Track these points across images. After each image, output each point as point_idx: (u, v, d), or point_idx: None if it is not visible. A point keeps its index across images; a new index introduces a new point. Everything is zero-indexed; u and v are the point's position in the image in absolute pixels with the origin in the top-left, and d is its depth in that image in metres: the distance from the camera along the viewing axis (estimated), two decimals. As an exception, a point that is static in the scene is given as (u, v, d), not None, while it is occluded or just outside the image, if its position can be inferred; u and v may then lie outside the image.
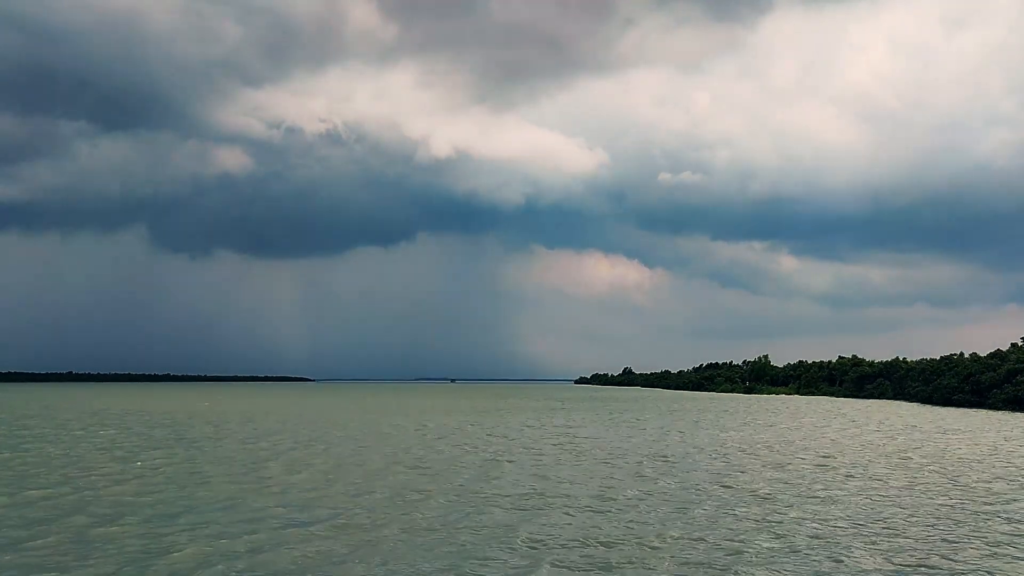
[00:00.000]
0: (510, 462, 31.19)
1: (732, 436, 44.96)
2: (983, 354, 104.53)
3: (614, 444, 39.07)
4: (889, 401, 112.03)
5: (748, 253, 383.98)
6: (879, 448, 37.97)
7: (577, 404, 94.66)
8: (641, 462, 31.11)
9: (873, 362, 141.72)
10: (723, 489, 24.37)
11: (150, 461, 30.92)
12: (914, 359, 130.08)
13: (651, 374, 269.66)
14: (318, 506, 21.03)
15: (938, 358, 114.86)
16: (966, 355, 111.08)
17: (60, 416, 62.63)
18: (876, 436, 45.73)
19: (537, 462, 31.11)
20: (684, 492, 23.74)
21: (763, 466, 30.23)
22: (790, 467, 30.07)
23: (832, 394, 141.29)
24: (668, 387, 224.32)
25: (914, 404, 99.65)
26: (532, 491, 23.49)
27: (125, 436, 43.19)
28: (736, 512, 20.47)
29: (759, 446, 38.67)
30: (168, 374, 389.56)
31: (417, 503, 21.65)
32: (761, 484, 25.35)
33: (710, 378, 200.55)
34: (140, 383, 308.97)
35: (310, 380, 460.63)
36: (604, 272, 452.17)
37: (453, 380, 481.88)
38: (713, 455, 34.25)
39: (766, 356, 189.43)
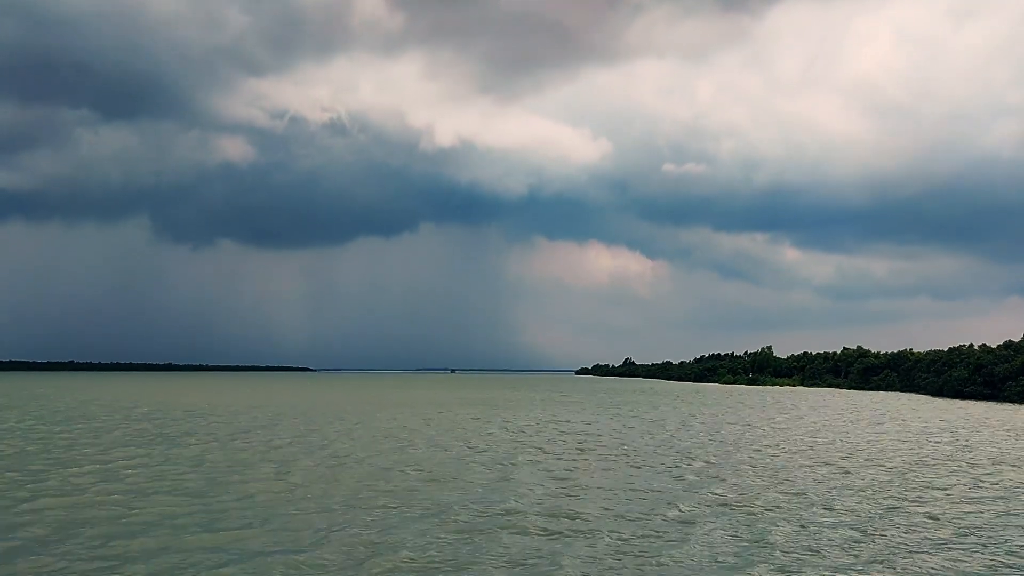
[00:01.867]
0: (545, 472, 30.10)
1: (793, 436, 41.74)
2: (993, 346, 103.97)
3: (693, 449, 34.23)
4: (898, 393, 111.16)
5: (750, 244, 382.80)
6: (989, 451, 34.78)
7: (598, 398, 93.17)
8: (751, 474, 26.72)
9: (879, 353, 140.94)
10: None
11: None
12: (921, 351, 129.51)
13: (652, 365, 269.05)
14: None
15: (946, 349, 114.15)
16: (975, 347, 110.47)
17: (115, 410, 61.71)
18: (971, 435, 42.36)
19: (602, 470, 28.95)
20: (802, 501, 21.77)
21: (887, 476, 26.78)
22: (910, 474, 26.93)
23: (837, 386, 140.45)
24: (670, 378, 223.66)
25: (924, 397, 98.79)
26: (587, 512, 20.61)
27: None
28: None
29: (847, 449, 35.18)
30: (169, 363, 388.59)
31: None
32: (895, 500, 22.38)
33: (712, 369, 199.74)
34: (141, 372, 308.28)
35: (311, 370, 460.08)
36: (605, 263, 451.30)
37: (453, 371, 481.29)
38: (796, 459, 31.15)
39: (769, 347, 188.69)
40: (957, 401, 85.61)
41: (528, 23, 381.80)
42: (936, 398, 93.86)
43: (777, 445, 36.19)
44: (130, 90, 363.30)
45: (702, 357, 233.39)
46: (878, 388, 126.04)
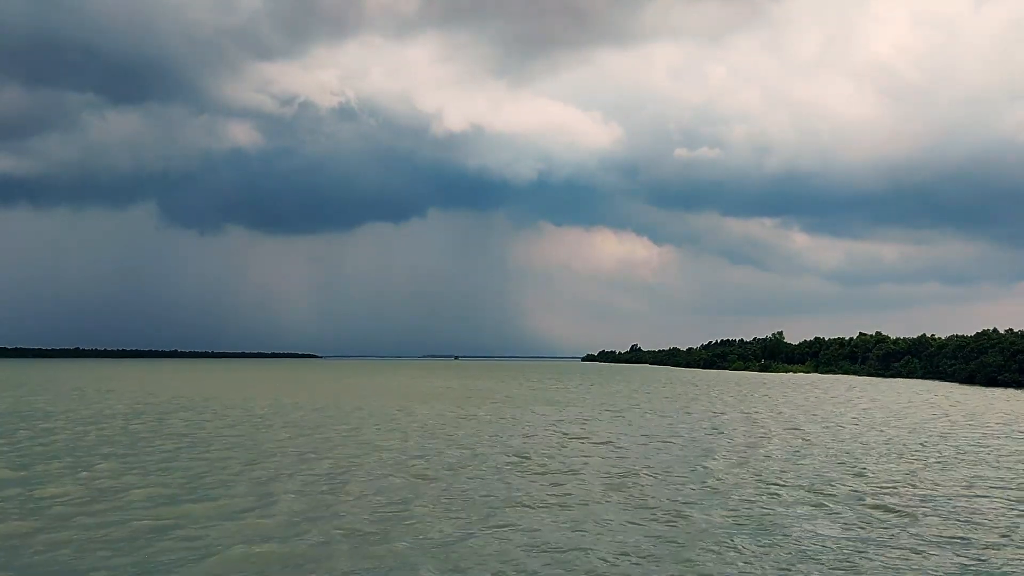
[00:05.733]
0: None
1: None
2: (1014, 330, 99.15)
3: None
4: (925, 381, 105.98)
5: (759, 230, 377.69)
6: None
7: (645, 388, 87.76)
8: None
9: (899, 339, 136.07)
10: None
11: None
12: (942, 336, 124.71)
13: (659, 351, 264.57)
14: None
15: (972, 334, 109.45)
16: (1001, 331, 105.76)
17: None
18: None
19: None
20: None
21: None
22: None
23: (855, 372, 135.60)
24: (678, 364, 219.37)
25: (953, 384, 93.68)
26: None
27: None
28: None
29: None
30: (176, 350, 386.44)
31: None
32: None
33: (722, 355, 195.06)
34: (147, 359, 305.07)
35: (317, 357, 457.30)
36: (612, 249, 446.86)
37: (456, 357, 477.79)
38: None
39: (780, 333, 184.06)
40: (996, 389, 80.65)
41: (545, 4, 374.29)
42: (967, 386, 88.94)
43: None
44: (138, 74, 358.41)
45: (710, 343, 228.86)
46: (898, 375, 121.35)
